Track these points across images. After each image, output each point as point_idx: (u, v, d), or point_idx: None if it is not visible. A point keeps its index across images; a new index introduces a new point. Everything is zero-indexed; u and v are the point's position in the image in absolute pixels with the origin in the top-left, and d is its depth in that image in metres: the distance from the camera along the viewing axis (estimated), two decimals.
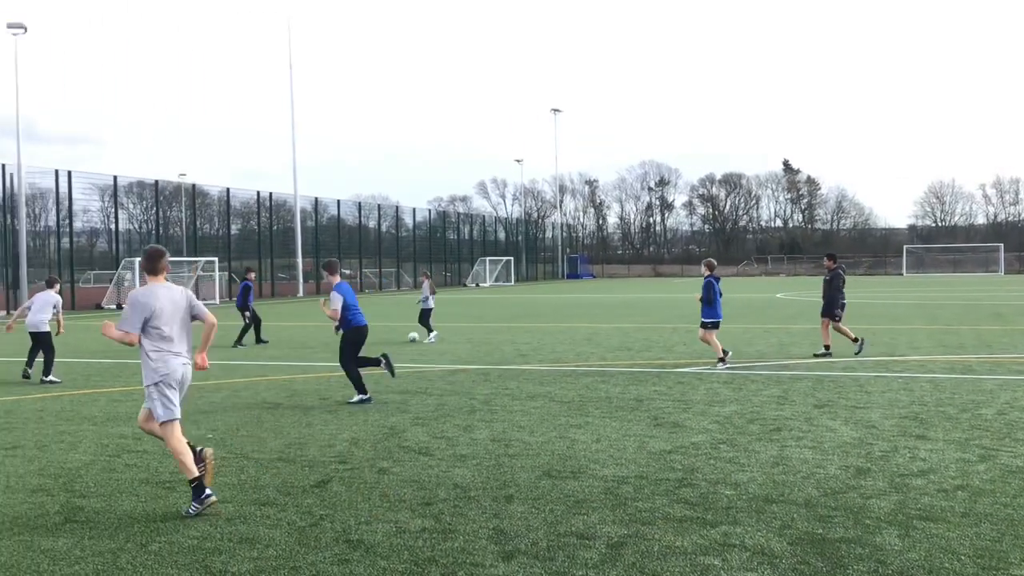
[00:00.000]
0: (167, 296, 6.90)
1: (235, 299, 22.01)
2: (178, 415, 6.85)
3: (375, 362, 12.13)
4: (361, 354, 12.21)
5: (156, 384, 6.79)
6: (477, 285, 71.62)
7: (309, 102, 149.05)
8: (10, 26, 39.53)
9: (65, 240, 43.63)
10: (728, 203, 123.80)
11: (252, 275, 22.65)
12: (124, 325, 6.81)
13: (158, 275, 6.99)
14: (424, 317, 21.22)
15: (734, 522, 6.23)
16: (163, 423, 6.81)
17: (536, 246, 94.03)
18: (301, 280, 53.88)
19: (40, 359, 14.75)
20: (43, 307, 14.99)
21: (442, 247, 75.48)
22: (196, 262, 46.98)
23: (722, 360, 14.77)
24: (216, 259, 47.58)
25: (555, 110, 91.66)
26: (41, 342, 14.74)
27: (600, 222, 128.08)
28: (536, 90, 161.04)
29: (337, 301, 11.83)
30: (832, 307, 16.48)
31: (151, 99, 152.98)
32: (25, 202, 41.44)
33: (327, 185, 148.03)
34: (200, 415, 10.75)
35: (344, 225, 64.23)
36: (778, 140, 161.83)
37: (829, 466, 7.80)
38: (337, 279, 12.11)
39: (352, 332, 12.04)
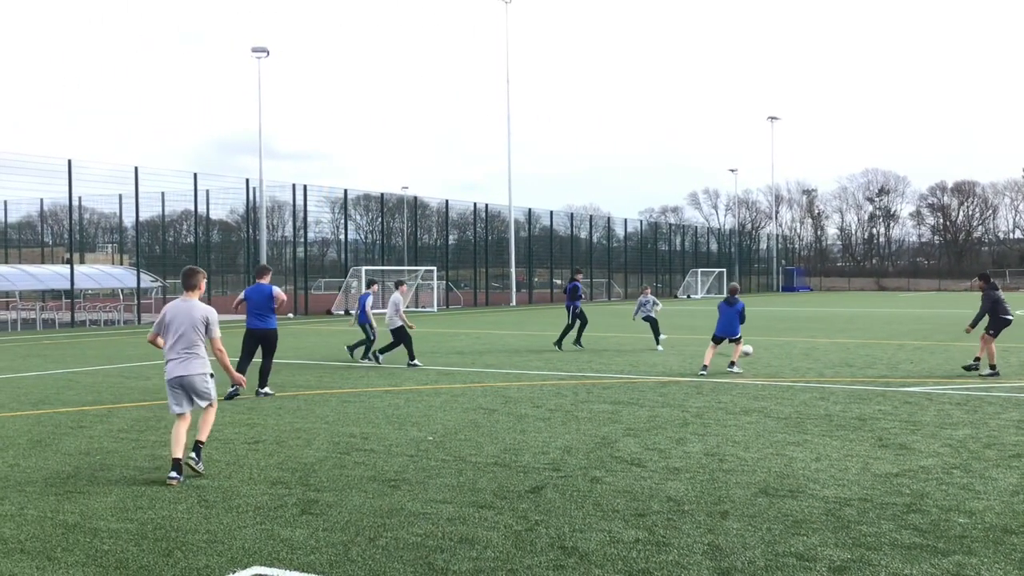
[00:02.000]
0: (182, 308, 8.22)
1: (566, 301, 21.76)
2: (176, 411, 8.16)
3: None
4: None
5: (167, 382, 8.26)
6: (689, 297, 70.72)
7: (523, 114, 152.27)
8: (254, 50, 42.73)
9: (300, 249, 46.70)
10: (961, 213, 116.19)
11: (580, 276, 22.70)
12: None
13: (190, 291, 8.34)
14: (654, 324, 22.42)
15: (969, 552, 5.86)
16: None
17: (750, 258, 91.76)
18: (514, 289, 55.07)
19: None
20: (390, 305, 17.97)
21: (653, 258, 75.09)
22: (416, 271, 49.02)
23: (704, 368, 16.17)
24: (435, 268, 49.47)
25: (772, 118, 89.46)
26: (397, 335, 17.68)
27: (818, 233, 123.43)
28: (752, 98, 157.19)
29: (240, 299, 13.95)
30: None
31: (374, 116, 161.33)
32: (265, 214, 44.73)
33: (539, 196, 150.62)
34: (421, 418, 11.23)
35: (556, 235, 65.16)
36: (1018, 145, 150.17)
37: None
38: (265, 281, 13.82)
39: (248, 332, 13.83)
